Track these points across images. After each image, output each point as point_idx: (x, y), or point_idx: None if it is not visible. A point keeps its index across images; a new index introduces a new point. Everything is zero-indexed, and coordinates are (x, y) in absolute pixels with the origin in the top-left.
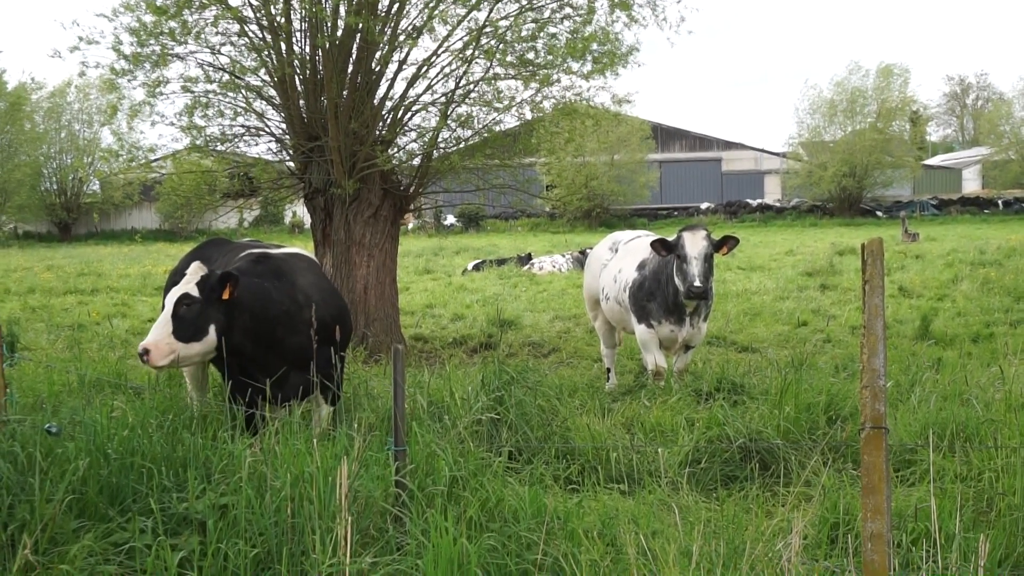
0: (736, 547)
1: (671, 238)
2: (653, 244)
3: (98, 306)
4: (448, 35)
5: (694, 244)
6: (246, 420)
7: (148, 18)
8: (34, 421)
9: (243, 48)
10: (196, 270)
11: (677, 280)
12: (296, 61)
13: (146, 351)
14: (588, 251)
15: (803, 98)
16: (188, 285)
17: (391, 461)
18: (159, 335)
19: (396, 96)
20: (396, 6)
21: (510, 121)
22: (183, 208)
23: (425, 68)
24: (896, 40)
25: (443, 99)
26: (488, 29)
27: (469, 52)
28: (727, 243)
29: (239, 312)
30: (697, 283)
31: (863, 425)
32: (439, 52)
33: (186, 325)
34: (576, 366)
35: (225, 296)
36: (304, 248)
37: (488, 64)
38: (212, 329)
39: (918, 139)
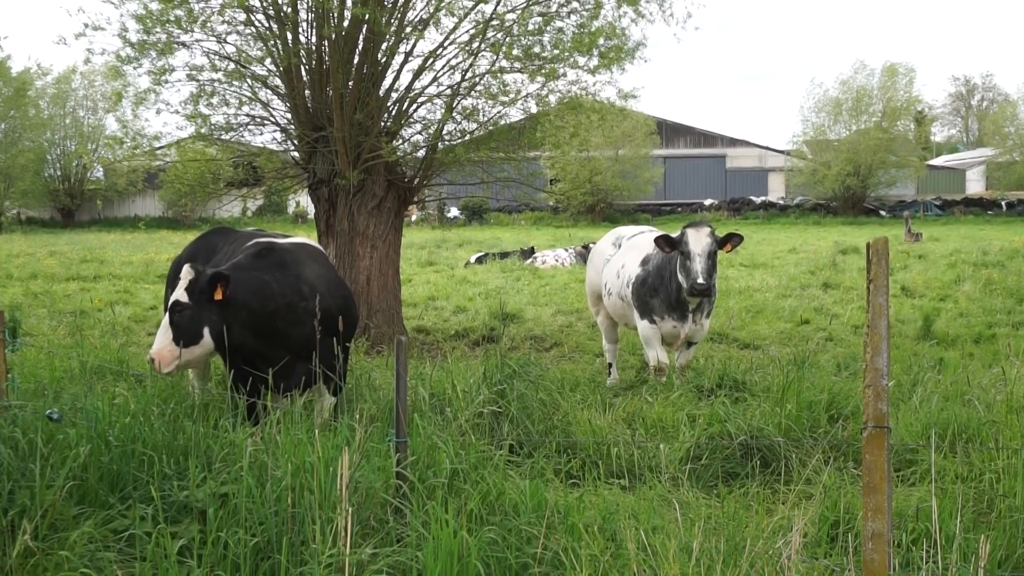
0: (736, 544)
1: (675, 235)
2: (657, 240)
3: (100, 293)
4: (455, 28)
5: (698, 241)
6: (248, 409)
7: (154, 6)
8: (35, 407)
9: (249, 37)
10: (186, 274)
11: (680, 277)
12: (302, 51)
13: (152, 360)
14: (591, 246)
15: (808, 96)
16: (179, 291)
17: (392, 453)
18: (162, 343)
19: (402, 88)
20: None
21: (515, 114)
22: (187, 196)
23: (431, 60)
24: (902, 39)
25: (448, 91)
26: (495, 22)
27: (475, 45)
28: (731, 240)
29: (235, 308)
30: (700, 280)
31: (865, 424)
32: (445, 44)
33: (183, 331)
34: (578, 360)
35: (218, 297)
36: (307, 237)
37: (494, 57)
38: (206, 331)
39: (923, 139)
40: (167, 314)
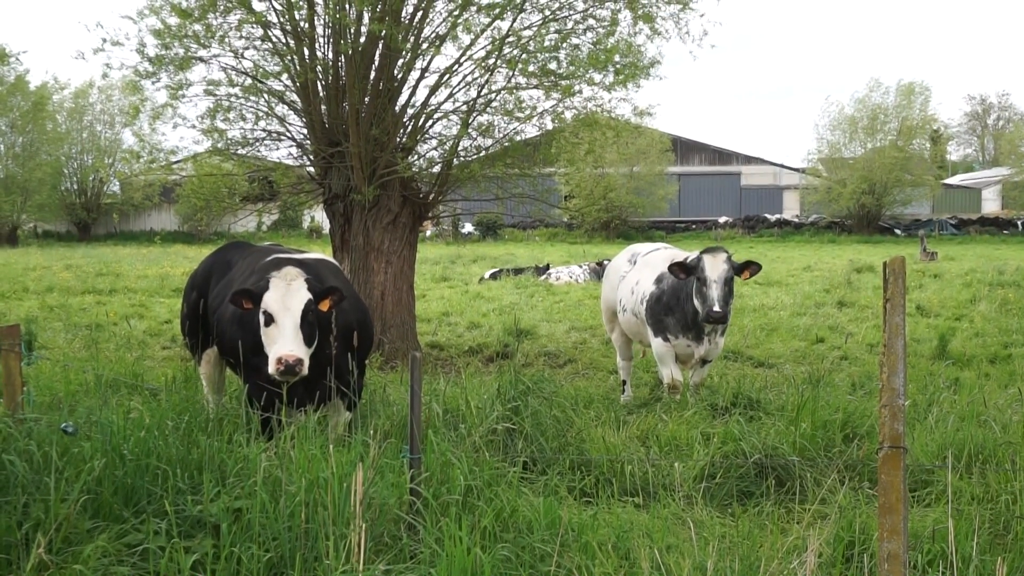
0: (751, 564)
1: (691, 260)
2: (671, 268)
3: (116, 306)
4: (471, 44)
5: (714, 267)
6: (262, 424)
7: (172, 21)
8: (50, 420)
9: (266, 53)
10: (298, 274)
11: (696, 302)
12: (319, 67)
13: (299, 361)
14: (605, 262)
15: (824, 114)
16: (301, 291)
17: (406, 469)
18: (298, 343)
19: (417, 103)
20: (420, 14)
21: (531, 131)
22: (202, 211)
23: (447, 76)
24: (918, 58)
25: (464, 107)
26: (511, 39)
27: (491, 61)
28: (749, 268)
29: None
30: (716, 308)
31: (881, 444)
32: (461, 60)
33: (312, 331)
34: (592, 377)
35: (324, 308)
36: (323, 253)
37: (510, 73)
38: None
39: (938, 158)
40: (293, 315)
